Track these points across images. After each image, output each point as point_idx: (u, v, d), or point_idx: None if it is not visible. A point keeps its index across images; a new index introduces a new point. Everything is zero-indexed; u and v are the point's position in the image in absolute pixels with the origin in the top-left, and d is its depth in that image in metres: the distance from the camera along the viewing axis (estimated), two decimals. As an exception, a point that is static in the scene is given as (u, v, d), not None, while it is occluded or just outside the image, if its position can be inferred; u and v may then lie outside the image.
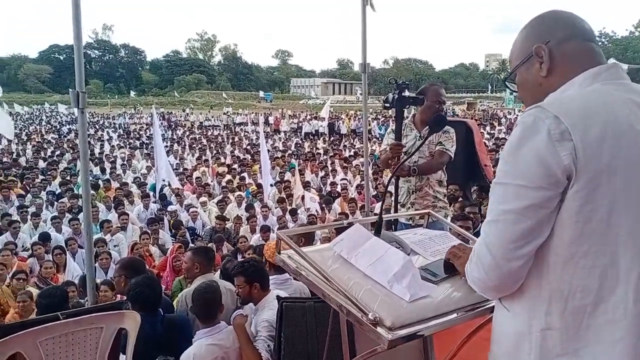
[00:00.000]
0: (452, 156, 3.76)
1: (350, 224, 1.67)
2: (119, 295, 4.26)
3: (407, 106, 3.62)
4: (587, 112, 1.12)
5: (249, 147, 19.94)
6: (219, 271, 4.52)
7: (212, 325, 3.02)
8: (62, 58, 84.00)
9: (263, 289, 3.28)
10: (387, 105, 3.50)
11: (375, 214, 1.81)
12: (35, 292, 5.70)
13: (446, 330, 3.09)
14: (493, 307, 1.35)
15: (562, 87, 1.25)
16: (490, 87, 69.60)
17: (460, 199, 6.88)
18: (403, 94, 3.42)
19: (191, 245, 7.90)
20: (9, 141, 21.63)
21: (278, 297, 2.92)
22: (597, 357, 1.12)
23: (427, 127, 3.78)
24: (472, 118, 23.92)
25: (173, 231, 8.69)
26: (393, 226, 3.32)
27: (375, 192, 10.27)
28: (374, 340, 1.34)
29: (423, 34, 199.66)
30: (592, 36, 1.31)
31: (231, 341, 2.99)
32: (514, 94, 1.48)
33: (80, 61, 3.05)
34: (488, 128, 25.61)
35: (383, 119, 29.11)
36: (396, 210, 3.62)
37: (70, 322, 1.70)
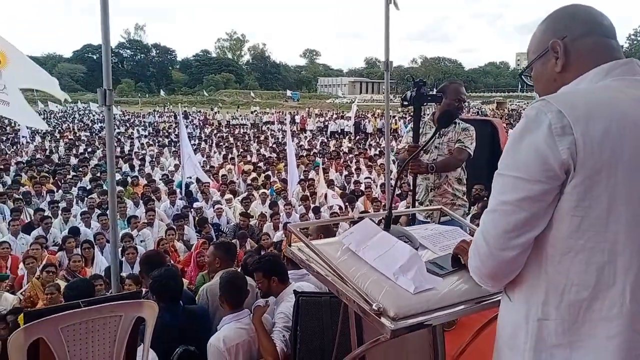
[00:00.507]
0: (472, 154, 3.73)
1: (360, 219, 1.69)
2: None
3: (425, 103, 3.61)
4: (592, 107, 1.11)
5: (274, 146, 20.09)
6: (240, 267, 4.59)
7: (238, 310, 3.14)
8: (95, 58, 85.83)
9: (281, 282, 3.36)
10: (406, 103, 3.50)
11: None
12: (63, 284, 5.88)
13: (463, 323, 3.09)
14: (499, 300, 1.36)
15: (574, 82, 1.25)
16: (520, 86, 68.40)
17: (485, 198, 6.81)
18: (421, 91, 3.42)
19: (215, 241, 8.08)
20: (43, 138, 22.33)
21: (295, 292, 2.96)
22: (590, 352, 1.12)
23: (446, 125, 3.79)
24: (500, 117, 23.60)
25: (198, 227, 8.85)
26: (411, 223, 3.33)
27: (400, 191, 10.23)
28: (379, 331, 1.36)
29: (453, 32, 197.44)
30: (611, 32, 1.29)
31: None
32: (529, 87, 1.47)
33: (107, 60, 3.14)
34: (517, 128, 25.17)
35: (409, 117, 28.94)
36: (415, 216, 3.62)
37: (90, 309, 1.77)
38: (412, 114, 3.75)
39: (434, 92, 3.66)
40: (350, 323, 1.63)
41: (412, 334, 1.69)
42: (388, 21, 4.52)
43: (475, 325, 1.88)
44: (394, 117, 30.71)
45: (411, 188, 3.86)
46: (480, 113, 33.59)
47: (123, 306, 1.85)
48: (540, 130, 1.10)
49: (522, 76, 1.45)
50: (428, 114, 4.11)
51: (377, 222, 1.79)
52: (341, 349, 1.93)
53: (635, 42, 71.93)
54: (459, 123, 3.80)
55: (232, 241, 7.10)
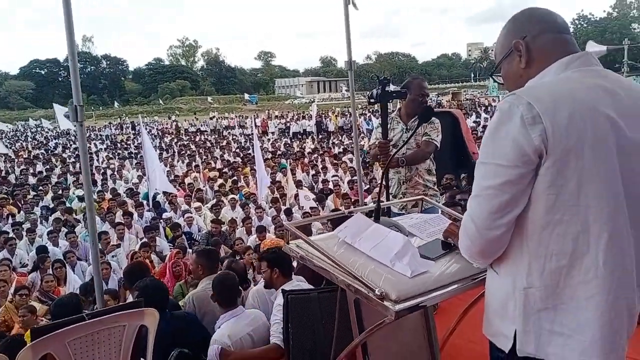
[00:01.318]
0: (438, 145, 3.89)
1: (351, 214, 1.80)
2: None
3: (391, 100, 3.75)
4: (557, 98, 1.26)
5: (238, 150, 20.01)
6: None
7: (233, 308, 3.29)
8: (43, 73, 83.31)
9: (284, 276, 3.46)
10: (372, 100, 3.63)
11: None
12: (38, 306, 5.78)
13: (444, 308, 3.24)
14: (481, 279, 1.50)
15: (539, 75, 1.41)
16: (473, 75, 70.07)
17: (455, 187, 7.04)
18: (386, 89, 3.55)
19: (189, 250, 8.03)
20: (-4, 160, 21.59)
21: (283, 291, 3.04)
22: (571, 312, 1.28)
23: (413, 119, 3.94)
24: (458, 107, 24.16)
25: (173, 233, 8.79)
26: (386, 216, 3.45)
27: (368, 186, 10.41)
28: (380, 316, 1.47)
29: (404, 27, 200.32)
30: (565, 28, 1.46)
31: (254, 321, 3.29)
32: (500, 85, 1.62)
33: (76, 76, 3.13)
34: (474, 116, 25.87)
35: (369, 114, 29.31)
36: (389, 209, 3.75)
37: (95, 321, 1.81)
38: (371, 110, 3.88)
39: (398, 89, 3.80)
40: (350, 313, 1.73)
41: (406, 318, 1.81)
42: (348, 21, 4.61)
43: (457, 309, 2.01)
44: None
45: (383, 182, 3.98)
46: (438, 105, 34.21)
47: (126, 316, 1.89)
48: (513, 121, 1.25)
49: (493, 76, 1.63)
50: (394, 110, 4.25)
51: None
52: (339, 341, 2.02)
53: (579, 26, 74.78)
54: (424, 117, 3.95)
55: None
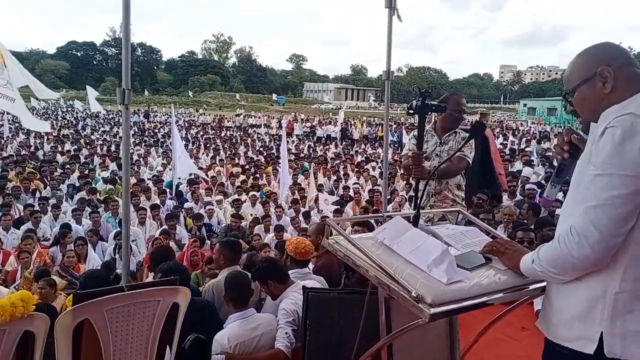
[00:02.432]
0: (470, 162, 3.92)
1: (389, 217, 1.84)
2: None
3: (429, 113, 3.78)
4: None
5: (261, 149, 20.17)
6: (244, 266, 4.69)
7: (243, 309, 3.23)
8: (79, 55, 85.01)
9: (280, 283, 3.45)
10: (411, 111, 3.66)
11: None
12: (57, 280, 5.91)
13: (468, 320, 3.27)
14: (519, 292, 1.53)
15: (624, 102, 1.52)
16: (503, 98, 69.42)
17: (484, 207, 7.01)
18: (426, 101, 3.59)
19: (207, 241, 8.16)
20: (27, 134, 22.08)
21: (304, 288, 3.09)
22: None
23: (448, 133, 3.98)
24: (489, 128, 24.01)
25: (189, 227, 8.93)
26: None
27: (389, 197, 10.42)
28: (408, 318, 1.52)
29: (439, 43, 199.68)
30: (638, 63, 1.62)
31: (262, 325, 3.20)
32: (569, 107, 1.72)
33: (127, 60, 3.22)
34: (501, 139, 25.70)
35: (396, 125, 29.29)
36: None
37: (133, 293, 1.89)
38: (398, 123, 3.92)
39: (437, 102, 3.83)
40: (379, 313, 1.78)
41: (433, 325, 1.85)
42: (391, 32, 4.67)
43: (476, 326, 2.05)
44: (380, 124, 31.04)
45: (420, 189, 4.01)
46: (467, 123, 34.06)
47: (161, 291, 1.97)
48: (638, 137, 1.38)
49: (565, 96, 1.72)
50: (429, 124, 4.29)
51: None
52: (362, 342, 2.07)
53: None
54: (459, 132, 3.99)
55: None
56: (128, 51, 3.25)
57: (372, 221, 4.91)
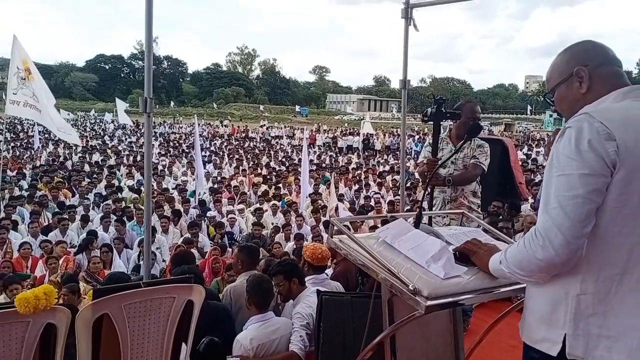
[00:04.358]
0: (485, 169, 3.95)
1: (393, 217, 1.91)
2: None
3: (444, 120, 3.83)
4: (625, 120, 1.41)
5: (284, 159, 20.38)
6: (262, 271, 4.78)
7: (264, 312, 3.34)
8: (107, 68, 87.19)
9: (301, 284, 3.57)
10: (426, 118, 3.73)
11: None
12: (83, 286, 6.07)
13: (473, 321, 3.30)
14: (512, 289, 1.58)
15: (596, 101, 1.54)
16: (529, 108, 68.52)
17: (500, 216, 6.99)
18: (441, 109, 3.64)
19: (228, 249, 8.29)
20: (56, 145, 22.74)
21: (318, 291, 3.16)
22: (620, 318, 1.38)
23: (462, 141, 4.01)
24: (510, 137, 23.78)
25: (211, 235, 9.09)
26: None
27: (409, 207, 10.41)
28: (410, 312, 1.58)
29: (463, 52, 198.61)
30: (619, 62, 1.62)
31: (280, 329, 3.30)
32: (552, 107, 1.75)
33: (149, 70, 3.39)
34: (526, 149, 25.40)
35: (418, 136, 29.25)
36: (430, 220, 3.82)
37: (150, 289, 1.98)
38: (419, 132, 3.97)
39: (452, 110, 3.88)
40: (382, 311, 1.84)
41: (435, 321, 1.90)
42: (407, 42, 4.75)
43: (482, 328, 2.08)
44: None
45: (428, 199, 4.06)
46: (489, 133, 33.81)
47: (176, 289, 2.06)
48: (593, 136, 1.38)
49: (545, 97, 1.76)
50: (444, 131, 4.33)
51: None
52: (368, 342, 2.12)
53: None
54: (474, 140, 4.02)
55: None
56: (150, 61, 3.42)
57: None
